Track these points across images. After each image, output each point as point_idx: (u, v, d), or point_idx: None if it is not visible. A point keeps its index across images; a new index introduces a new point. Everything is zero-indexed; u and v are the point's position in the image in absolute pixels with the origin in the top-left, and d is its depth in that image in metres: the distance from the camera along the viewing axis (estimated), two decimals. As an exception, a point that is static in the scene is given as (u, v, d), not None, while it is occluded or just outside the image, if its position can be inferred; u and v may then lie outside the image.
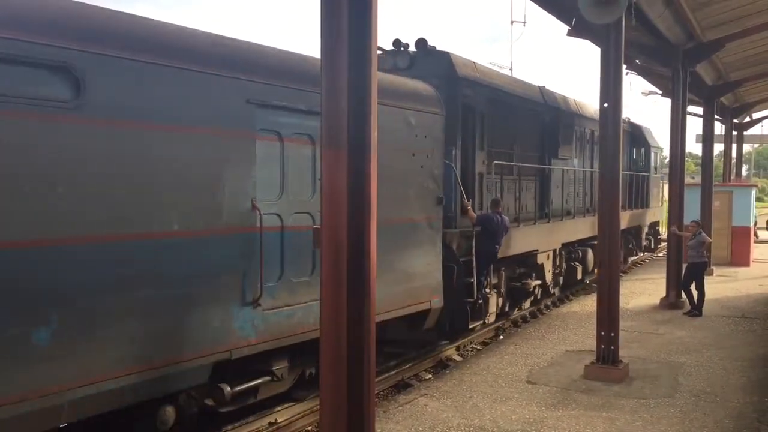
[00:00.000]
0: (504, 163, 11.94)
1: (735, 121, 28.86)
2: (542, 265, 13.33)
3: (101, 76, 5.27)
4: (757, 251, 21.98)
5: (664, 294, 14.28)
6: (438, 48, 10.90)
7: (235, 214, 6.35)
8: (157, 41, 5.86)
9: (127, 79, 5.46)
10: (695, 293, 13.22)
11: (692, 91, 17.28)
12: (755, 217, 24.48)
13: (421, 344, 10.39)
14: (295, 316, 6.99)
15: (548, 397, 8.18)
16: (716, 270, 18.36)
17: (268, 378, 7.05)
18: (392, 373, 9.16)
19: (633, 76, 18.73)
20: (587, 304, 13.96)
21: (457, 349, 10.82)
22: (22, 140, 4.86)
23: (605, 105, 9.06)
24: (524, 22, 44.09)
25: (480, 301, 10.63)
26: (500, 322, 12.21)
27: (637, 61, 16.76)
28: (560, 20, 12.16)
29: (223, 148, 6.25)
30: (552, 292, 14.46)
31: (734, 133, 30.20)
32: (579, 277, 15.56)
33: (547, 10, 11.83)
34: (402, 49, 10.83)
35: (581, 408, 7.76)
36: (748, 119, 31.40)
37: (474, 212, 10.49)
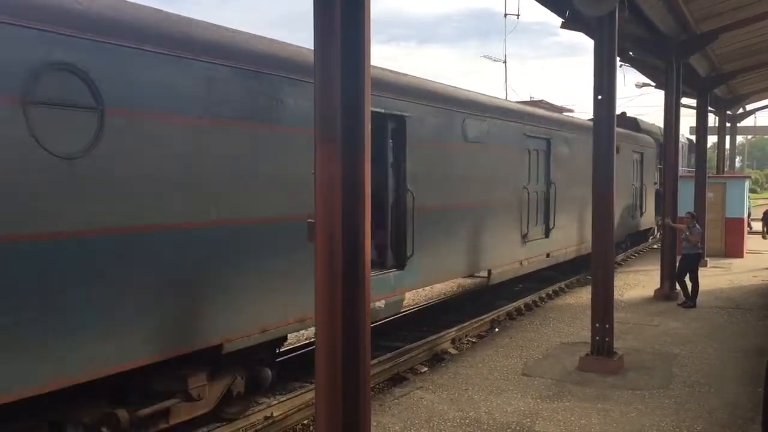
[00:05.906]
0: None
1: (728, 112, 28.93)
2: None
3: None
4: (750, 242, 22.06)
5: (658, 285, 14.34)
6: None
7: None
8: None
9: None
10: (689, 284, 13.28)
11: (686, 83, 17.29)
12: (749, 208, 24.58)
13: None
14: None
15: (543, 389, 8.21)
16: (710, 261, 18.46)
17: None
18: (388, 366, 9.18)
19: (627, 68, 18.79)
20: (582, 296, 14.01)
21: (453, 341, 10.86)
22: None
23: (599, 97, 9.05)
24: (518, 15, 44.40)
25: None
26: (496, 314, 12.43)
27: (631, 53, 16.76)
28: (554, 12, 12.14)
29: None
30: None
31: (728, 124, 30.27)
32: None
33: (541, 2, 11.79)
34: None
35: (576, 399, 7.81)
36: (741, 111, 31.50)
37: None
